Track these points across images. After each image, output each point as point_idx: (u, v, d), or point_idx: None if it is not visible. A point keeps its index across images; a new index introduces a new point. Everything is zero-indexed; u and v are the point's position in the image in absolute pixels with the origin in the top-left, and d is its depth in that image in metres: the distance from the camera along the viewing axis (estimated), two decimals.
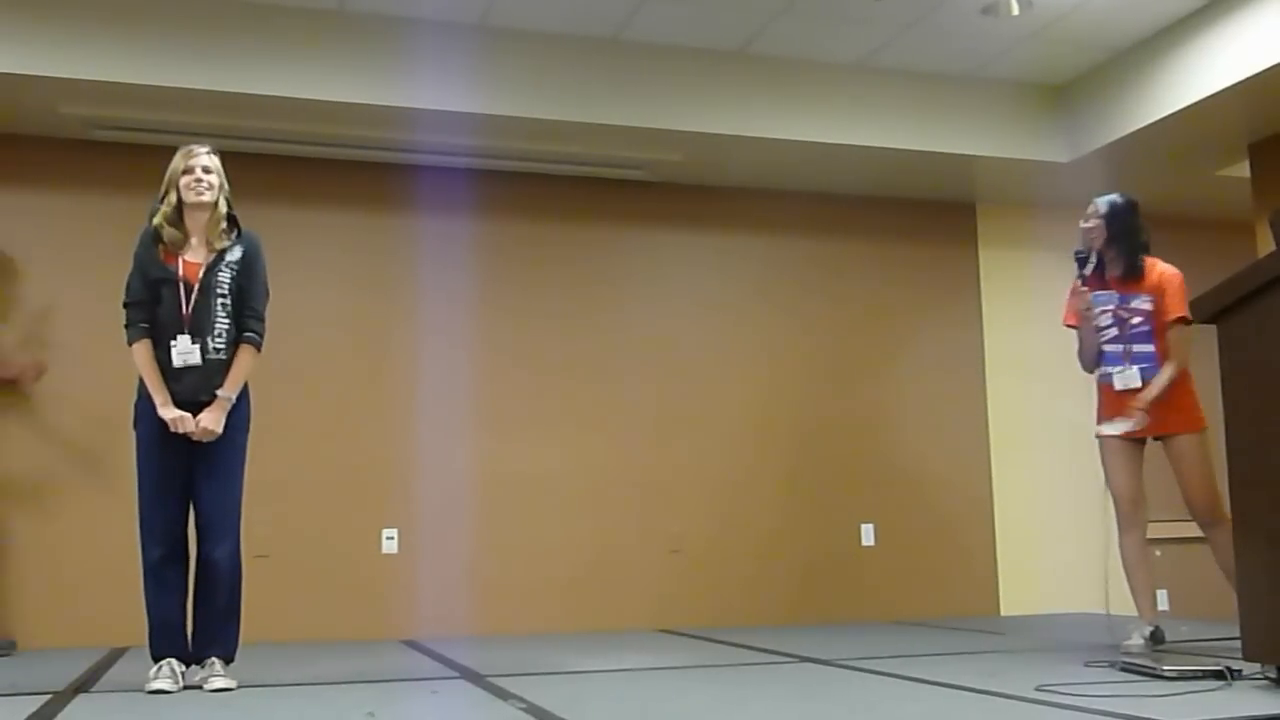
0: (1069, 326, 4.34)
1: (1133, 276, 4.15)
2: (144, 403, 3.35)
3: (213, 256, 3.43)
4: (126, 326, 3.38)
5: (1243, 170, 5.69)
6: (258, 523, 5.04)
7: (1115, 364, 4.17)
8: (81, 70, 4.59)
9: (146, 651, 3.33)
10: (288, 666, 3.96)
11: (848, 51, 5.41)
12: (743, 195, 6.03)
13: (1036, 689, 3.06)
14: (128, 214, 5.10)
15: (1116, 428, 4.13)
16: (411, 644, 4.81)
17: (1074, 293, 4.28)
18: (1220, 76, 4.93)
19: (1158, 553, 6.29)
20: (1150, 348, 4.11)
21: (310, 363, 5.32)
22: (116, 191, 5.11)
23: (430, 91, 4.94)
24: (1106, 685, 3.13)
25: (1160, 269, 4.15)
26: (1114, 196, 4.24)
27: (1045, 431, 6.31)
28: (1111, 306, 4.18)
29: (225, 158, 5.24)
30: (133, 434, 3.39)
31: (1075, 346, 4.33)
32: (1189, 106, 5.11)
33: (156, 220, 3.43)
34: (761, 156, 5.61)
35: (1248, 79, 4.80)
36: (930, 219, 6.32)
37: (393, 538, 5.27)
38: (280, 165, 5.34)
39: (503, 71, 5.08)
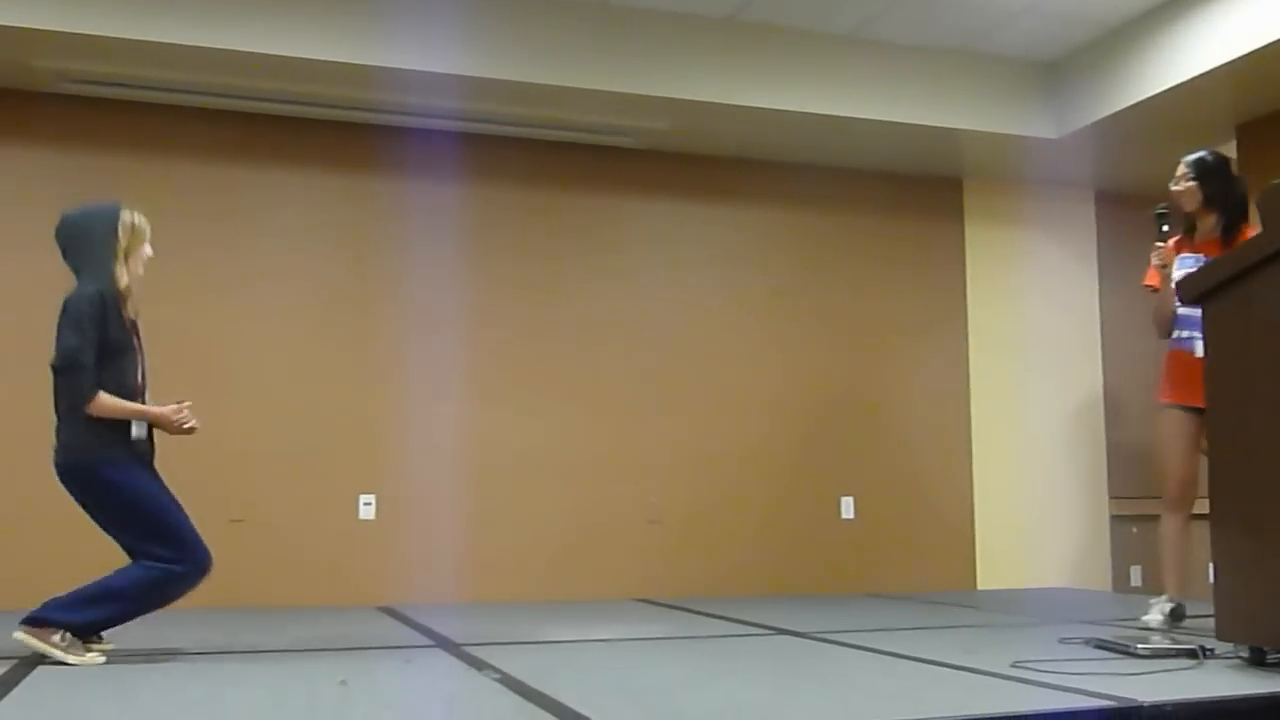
0: (1147, 288, 4.15)
1: (1227, 240, 3.92)
2: (117, 448, 3.23)
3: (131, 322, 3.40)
4: (86, 385, 3.18)
5: (1230, 151, 5.66)
6: (234, 487, 5.06)
7: (1194, 329, 3.78)
8: (54, 22, 4.49)
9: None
10: (261, 632, 3.94)
11: (839, 22, 5.35)
12: (729, 165, 5.98)
13: (1012, 665, 3.06)
14: (99, 170, 5.08)
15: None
16: (388, 610, 4.79)
17: (1153, 250, 4.09)
18: (1210, 56, 4.91)
19: (1134, 529, 6.36)
20: None
21: (288, 326, 5.27)
22: (89, 147, 5.06)
23: (414, 52, 4.86)
24: (1081, 663, 3.14)
25: (1252, 234, 3.83)
26: (1203, 154, 4.04)
27: (1026, 407, 6.33)
28: (1195, 270, 3.80)
29: (204, 114, 5.24)
30: (108, 478, 3.23)
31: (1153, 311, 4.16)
32: (1178, 85, 5.09)
33: (125, 283, 3.31)
34: (748, 126, 5.56)
35: (1237, 59, 4.79)
36: (917, 193, 6.29)
37: (370, 504, 5.24)
38: (259, 123, 5.27)
39: (487, 33, 5.00)
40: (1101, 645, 3.44)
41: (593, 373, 5.66)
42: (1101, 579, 6.32)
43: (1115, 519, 6.39)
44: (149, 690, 2.79)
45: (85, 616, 3.20)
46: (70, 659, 3.13)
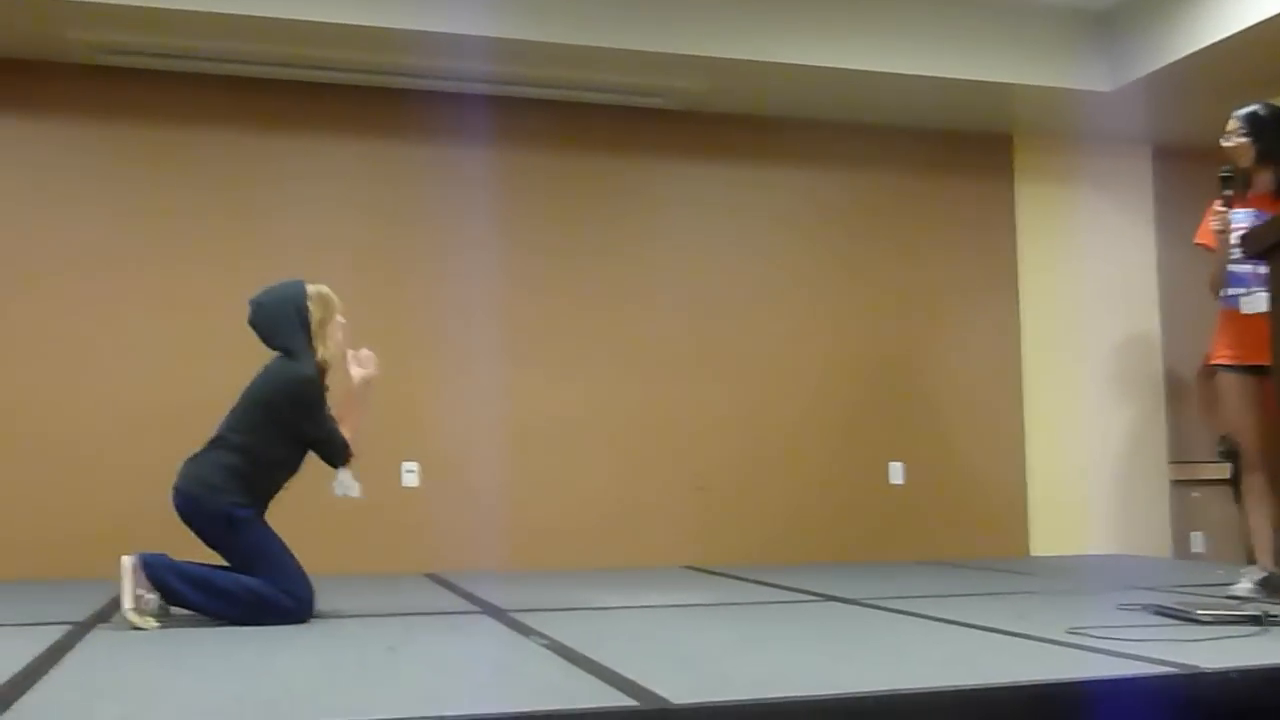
0: (1200, 245, 4.01)
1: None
2: (243, 509, 3.39)
3: None
4: (341, 451, 3.59)
5: None
6: None
7: (1240, 285, 3.71)
8: None
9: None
10: None
11: None
12: (768, 125, 5.87)
13: (1068, 631, 2.99)
14: (133, 140, 5.09)
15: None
16: (434, 578, 4.80)
17: (1212, 212, 3.93)
18: (1272, 1, 4.72)
19: (1194, 494, 6.22)
20: None
21: None
22: (125, 118, 5.07)
23: (442, 14, 4.79)
24: (1139, 629, 3.06)
25: None
26: (1256, 107, 3.92)
27: (1081, 371, 6.20)
28: (1246, 225, 3.76)
29: (233, 83, 5.22)
30: (243, 529, 3.40)
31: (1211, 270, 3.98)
32: (1238, 33, 4.90)
33: (322, 356, 3.50)
34: (786, 84, 5.45)
35: None
36: (964, 150, 6.14)
37: (413, 471, 5.24)
38: (289, 91, 5.24)
39: None
40: (1161, 611, 3.35)
41: (635, 338, 5.61)
42: (1161, 545, 6.19)
43: (1175, 484, 6.25)
44: (201, 654, 2.81)
45: (184, 594, 3.27)
46: (132, 617, 3.18)
